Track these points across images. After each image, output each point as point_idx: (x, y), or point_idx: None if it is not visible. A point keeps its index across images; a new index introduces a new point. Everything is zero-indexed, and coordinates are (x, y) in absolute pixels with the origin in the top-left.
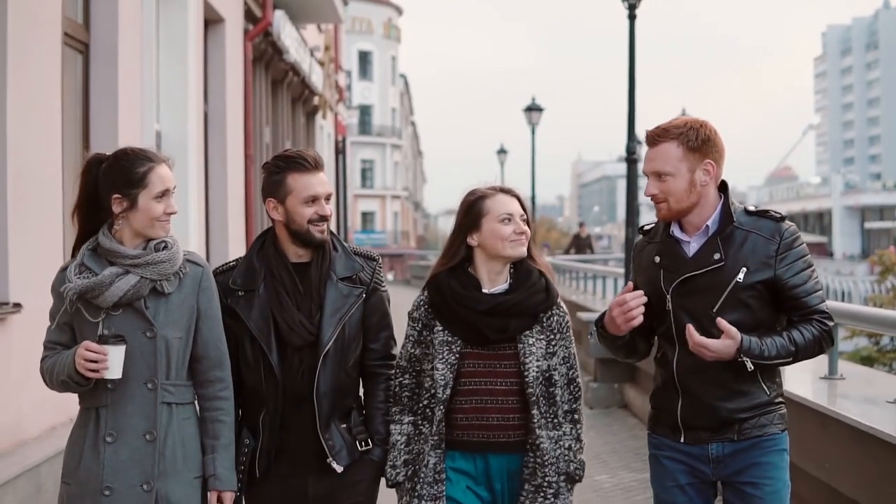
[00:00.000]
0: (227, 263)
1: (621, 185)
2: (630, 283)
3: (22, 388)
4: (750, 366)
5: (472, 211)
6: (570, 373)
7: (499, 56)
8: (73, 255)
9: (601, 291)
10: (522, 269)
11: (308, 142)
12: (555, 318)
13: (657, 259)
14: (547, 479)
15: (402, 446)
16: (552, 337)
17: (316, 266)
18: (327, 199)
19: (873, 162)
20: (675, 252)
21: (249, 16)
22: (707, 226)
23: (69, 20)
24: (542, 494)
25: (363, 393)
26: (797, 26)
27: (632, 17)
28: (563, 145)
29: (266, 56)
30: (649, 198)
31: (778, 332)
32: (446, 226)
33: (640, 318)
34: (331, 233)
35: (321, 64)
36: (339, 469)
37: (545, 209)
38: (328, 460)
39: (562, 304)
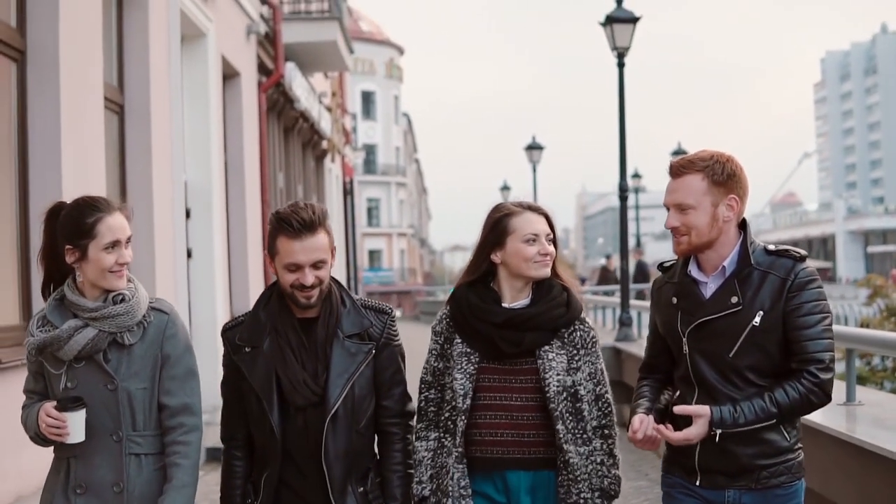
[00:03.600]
0: (236, 318)
1: (628, 216)
2: (638, 419)
3: None
4: (718, 438)
5: (497, 228)
6: (598, 388)
7: (501, 88)
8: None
9: (601, 320)
10: (544, 285)
11: (318, 185)
12: (577, 334)
13: (674, 300)
14: (582, 495)
15: (429, 462)
16: (575, 353)
17: (322, 323)
18: (316, 265)
19: (876, 186)
20: (692, 293)
21: (263, 69)
22: (724, 266)
23: (107, 84)
24: None
25: (379, 453)
26: (796, 51)
27: (621, 66)
28: (567, 176)
29: (278, 105)
30: (670, 230)
31: (759, 393)
32: (452, 262)
33: (659, 438)
34: (340, 287)
35: (329, 109)
36: None
37: None
38: None
39: (587, 319)
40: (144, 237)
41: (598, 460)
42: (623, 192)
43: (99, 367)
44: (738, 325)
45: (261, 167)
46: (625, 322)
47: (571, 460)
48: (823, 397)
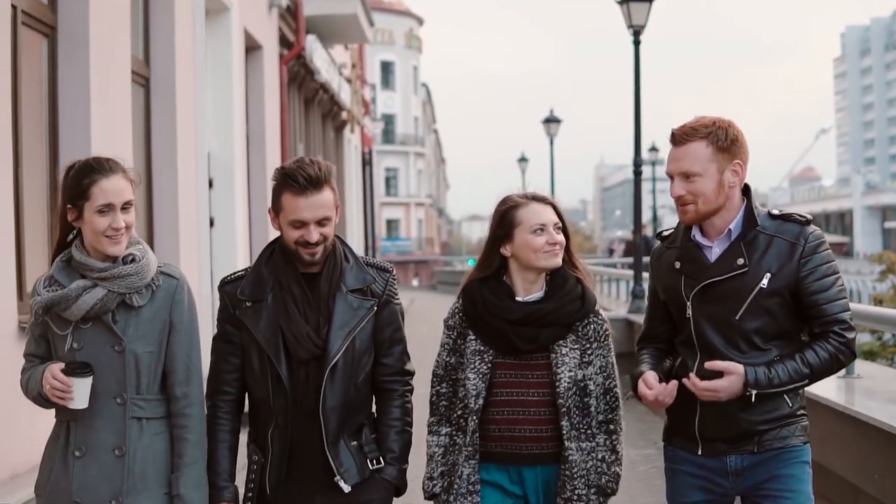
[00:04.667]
0: (235, 273)
1: (645, 188)
2: (653, 375)
3: None
4: (753, 398)
5: (504, 221)
6: (607, 382)
7: (520, 59)
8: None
9: (615, 293)
10: (558, 277)
11: (337, 155)
12: (591, 327)
13: (677, 265)
14: (576, 492)
15: (440, 458)
16: (588, 346)
17: (326, 277)
18: (321, 222)
19: (894, 161)
20: (697, 257)
21: (284, 41)
22: (730, 230)
23: (134, 58)
24: None
25: (376, 410)
26: (818, 26)
27: (636, 43)
28: (585, 148)
29: (299, 77)
30: (674, 199)
31: (790, 354)
32: (470, 231)
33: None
34: (343, 243)
35: (348, 81)
36: (346, 489)
37: (568, 213)
38: (336, 478)
39: (600, 311)
40: (169, 206)
41: (600, 457)
42: (637, 167)
43: (107, 328)
44: (744, 287)
45: (281, 138)
46: (637, 294)
47: (571, 457)
48: (850, 356)
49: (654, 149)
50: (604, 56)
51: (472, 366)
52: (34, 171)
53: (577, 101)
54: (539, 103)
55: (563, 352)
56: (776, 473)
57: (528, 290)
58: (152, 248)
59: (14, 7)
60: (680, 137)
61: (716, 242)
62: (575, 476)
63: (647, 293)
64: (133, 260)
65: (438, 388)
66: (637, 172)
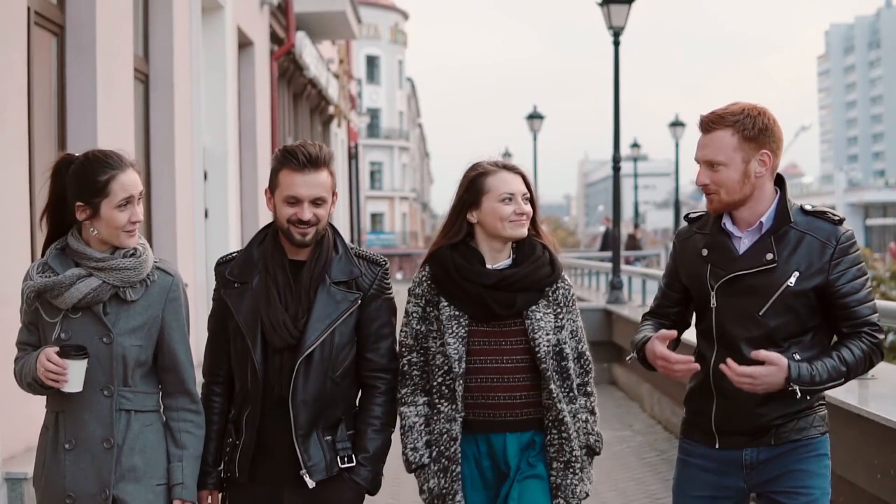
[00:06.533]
0: (230, 254)
1: (627, 185)
2: (674, 332)
3: None
4: (799, 394)
5: (472, 187)
6: (580, 346)
7: (505, 55)
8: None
9: (595, 284)
10: (525, 245)
11: None
12: (560, 292)
13: (704, 252)
14: (574, 453)
15: (422, 427)
16: (559, 310)
17: (309, 267)
18: (315, 202)
19: (877, 159)
20: (725, 247)
21: (275, 38)
22: (761, 222)
23: (135, 55)
24: (571, 470)
25: (359, 406)
26: (800, 24)
27: (616, 44)
28: (570, 143)
29: (288, 73)
30: (700, 187)
31: (827, 352)
32: None
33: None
34: (335, 232)
35: (336, 76)
36: (311, 484)
37: (552, 208)
38: (301, 472)
39: (566, 277)
40: (167, 198)
41: (583, 418)
42: (616, 163)
43: (97, 319)
44: (771, 283)
45: (272, 132)
46: (616, 286)
47: (565, 419)
48: (880, 356)
49: (635, 145)
50: (589, 52)
51: (450, 330)
52: (43, 163)
53: (562, 96)
54: (524, 99)
55: (538, 316)
56: (791, 469)
57: (496, 258)
58: (151, 238)
59: (28, 8)
60: (706, 125)
61: (745, 234)
62: (572, 437)
63: (621, 283)
64: (133, 254)
65: (410, 357)
66: (616, 168)
